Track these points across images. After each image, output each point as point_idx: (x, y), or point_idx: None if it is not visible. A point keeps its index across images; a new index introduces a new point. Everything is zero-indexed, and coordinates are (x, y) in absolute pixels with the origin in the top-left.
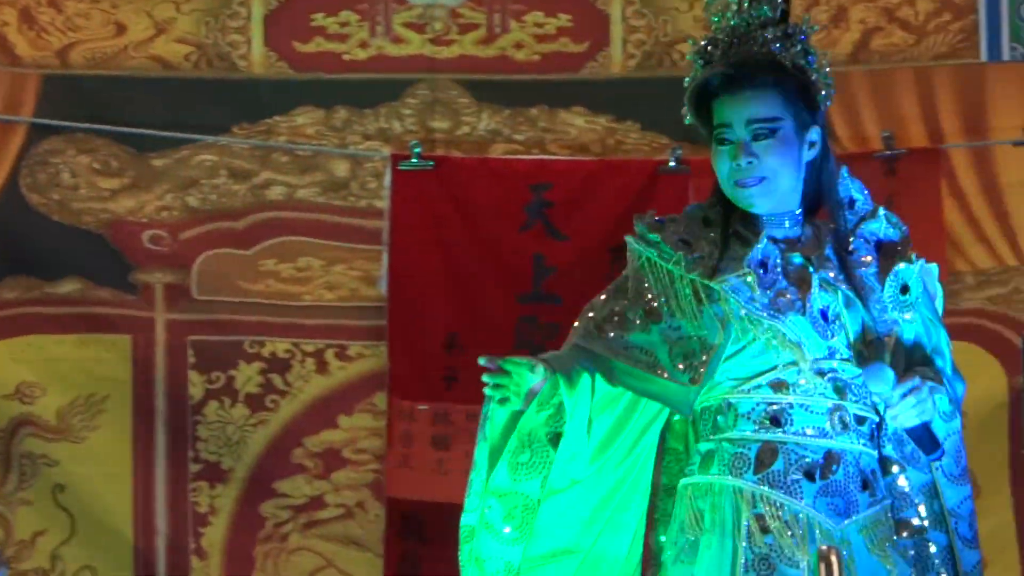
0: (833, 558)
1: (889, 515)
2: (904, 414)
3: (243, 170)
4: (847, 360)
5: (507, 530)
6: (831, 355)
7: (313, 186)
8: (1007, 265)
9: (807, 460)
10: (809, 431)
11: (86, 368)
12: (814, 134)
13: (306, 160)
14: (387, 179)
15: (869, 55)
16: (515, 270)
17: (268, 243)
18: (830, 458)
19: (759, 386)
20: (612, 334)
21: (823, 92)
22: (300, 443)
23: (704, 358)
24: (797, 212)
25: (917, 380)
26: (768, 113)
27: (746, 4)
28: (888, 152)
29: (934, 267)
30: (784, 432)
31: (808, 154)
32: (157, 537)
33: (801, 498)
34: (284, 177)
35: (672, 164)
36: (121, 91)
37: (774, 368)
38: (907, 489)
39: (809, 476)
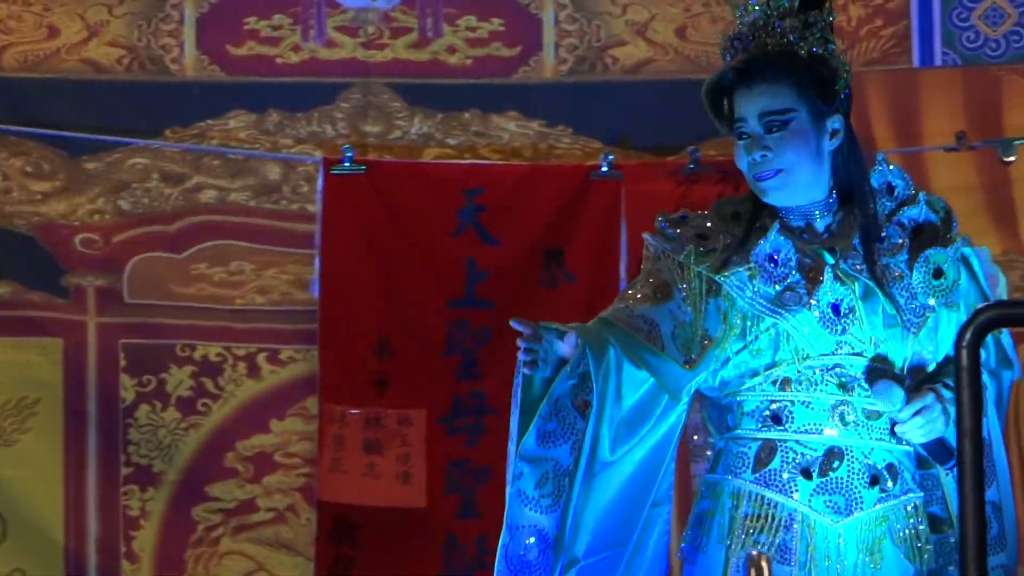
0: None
1: (915, 509)
2: (911, 432)
3: (175, 174)
4: (857, 354)
5: (539, 496)
6: (837, 350)
7: (245, 190)
8: None
9: (806, 457)
10: (810, 428)
11: (17, 371)
12: (835, 122)
13: (238, 164)
14: (319, 183)
15: None
16: (447, 274)
17: (200, 247)
18: (831, 455)
19: (763, 383)
20: (623, 306)
21: (842, 80)
22: (232, 447)
23: (701, 349)
24: (824, 202)
25: (930, 399)
26: (780, 105)
27: None
28: None
29: (985, 250)
30: (785, 430)
31: (831, 143)
32: (88, 540)
33: (796, 496)
34: (216, 181)
35: (604, 169)
36: (53, 94)
37: (776, 365)
38: (936, 483)
39: (806, 474)
